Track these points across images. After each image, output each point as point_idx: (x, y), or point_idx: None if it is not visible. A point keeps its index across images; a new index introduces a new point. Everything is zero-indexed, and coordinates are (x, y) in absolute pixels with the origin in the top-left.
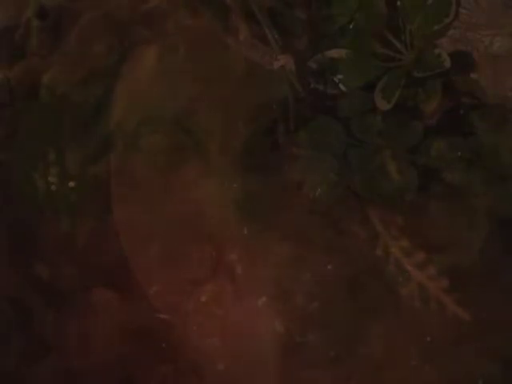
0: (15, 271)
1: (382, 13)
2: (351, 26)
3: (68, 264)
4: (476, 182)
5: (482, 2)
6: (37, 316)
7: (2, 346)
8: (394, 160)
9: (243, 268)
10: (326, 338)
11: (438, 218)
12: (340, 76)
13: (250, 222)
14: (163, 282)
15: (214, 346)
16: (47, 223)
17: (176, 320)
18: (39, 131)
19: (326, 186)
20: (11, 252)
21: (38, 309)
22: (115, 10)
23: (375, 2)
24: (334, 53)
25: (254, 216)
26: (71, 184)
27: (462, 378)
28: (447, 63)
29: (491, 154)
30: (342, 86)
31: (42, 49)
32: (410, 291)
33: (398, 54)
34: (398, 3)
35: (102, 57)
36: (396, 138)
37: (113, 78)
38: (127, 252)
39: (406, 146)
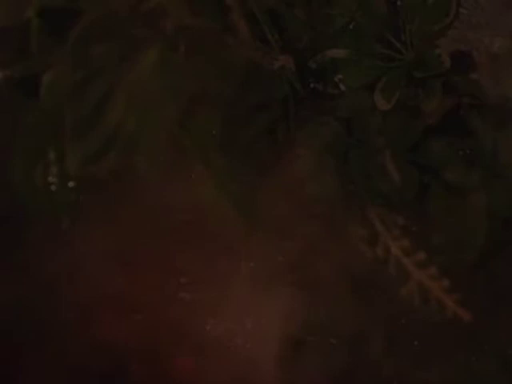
0: (15, 271)
1: (381, 13)
2: (351, 26)
3: (68, 264)
4: (476, 182)
5: (482, 1)
6: (37, 316)
7: (2, 346)
8: (394, 160)
9: (244, 267)
10: (326, 338)
11: (437, 218)
12: (340, 76)
13: (249, 222)
14: (164, 281)
15: (216, 345)
16: (47, 223)
17: (177, 319)
18: (39, 131)
19: (325, 186)
20: (11, 252)
21: (38, 309)
22: (115, 9)
23: (375, 1)
24: (334, 53)
25: (254, 216)
26: (71, 184)
27: (462, 377)
28: (447, 63)
29: (491, 154)
30: (342, 86)
31: (42, 49)
32: (410, 291)
33: (398, 53)
34: (398, 3)
35: (102, 57)
36: (396, 138)
37: (113, 78)
38: (127, 251)
39: (405, 146)
